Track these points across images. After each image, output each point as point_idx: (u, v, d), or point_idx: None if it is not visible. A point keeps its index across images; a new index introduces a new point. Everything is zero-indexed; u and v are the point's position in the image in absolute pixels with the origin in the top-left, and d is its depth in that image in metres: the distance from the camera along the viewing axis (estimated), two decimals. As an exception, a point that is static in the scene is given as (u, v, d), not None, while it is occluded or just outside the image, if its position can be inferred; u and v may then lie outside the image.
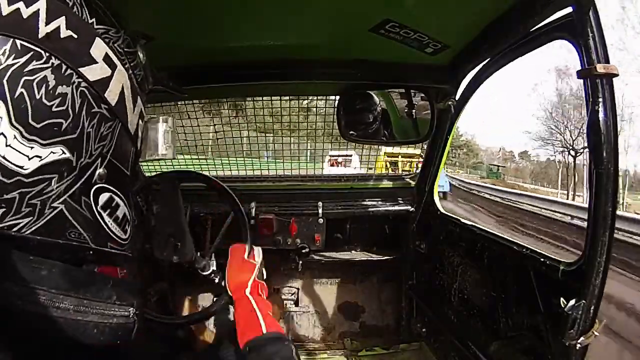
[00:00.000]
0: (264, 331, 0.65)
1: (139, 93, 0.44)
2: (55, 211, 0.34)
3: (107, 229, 0.39)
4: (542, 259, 0.86)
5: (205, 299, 1.71)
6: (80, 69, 0.35)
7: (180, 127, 1.63)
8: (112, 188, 0.39)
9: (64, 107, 0.34)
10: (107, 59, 0.38)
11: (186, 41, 0.99)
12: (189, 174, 1.23)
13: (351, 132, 1.31)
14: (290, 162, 1.74)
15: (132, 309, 0.39)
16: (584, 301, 0.69)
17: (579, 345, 0.69)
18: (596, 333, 0.69)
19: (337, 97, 1.31)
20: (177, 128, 1.63)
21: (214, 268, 1.12)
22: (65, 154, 0.34)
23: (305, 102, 1.65)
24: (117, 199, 0.40)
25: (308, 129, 1.68)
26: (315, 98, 1.62)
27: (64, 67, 0.34)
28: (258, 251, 0.93)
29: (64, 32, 0.34)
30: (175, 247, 1.04)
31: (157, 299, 1.44)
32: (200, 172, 1.38)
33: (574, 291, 0.72)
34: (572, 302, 0.71)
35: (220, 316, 1.59)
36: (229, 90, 1.40)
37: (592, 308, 0.69)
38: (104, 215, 0.39)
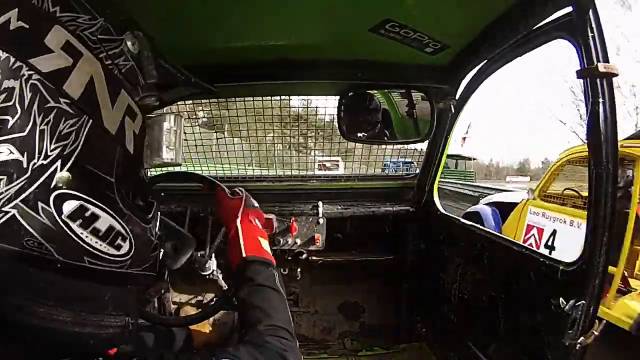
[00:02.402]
0: (243, 255, 0.68)
1: (123, 85, 0.40)
2: (7, 216, 0.31)
3: (80, 242, 0.34)
4: (542, 259, 0.86)
5: (205, 299, 1.71)
6: (31, 60, 0.32)
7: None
8: (82, 195, 0.34)
9: (10, 103, 0.31)
10: (68, 47, 0.34)
11: (186, 41, 0.99)
12: (186, 174, 1.22)
13: (351, 133, 1.31)
14: (289, 164, 1.73)
15: (127, 317, 0.39)
16: (583, 301, 0.69)
17: (578, 345, 0.69)
18: (596, 333, 0.69)
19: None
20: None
21: (214, 268, 1.11)
22: (12, 154, 0.31)
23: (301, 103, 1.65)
24: (92, 208, 0.35)
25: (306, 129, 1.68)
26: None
27: (12, 59, 0.31)
28: (239, 188, 0.96)
29: (14, 24, 0.32)
30: (174, 249, 1.04)
31: (157, 299, 1.43)
32: (199, 172, 1.38)
33: (574, 291, 0.72)
34: (572, 302, 0.71)
35: (220, 316, 1.59)
36: (229, 90, 1.40)
37: (592, 308, 0.69)
38: (73, 225, 0.34)
